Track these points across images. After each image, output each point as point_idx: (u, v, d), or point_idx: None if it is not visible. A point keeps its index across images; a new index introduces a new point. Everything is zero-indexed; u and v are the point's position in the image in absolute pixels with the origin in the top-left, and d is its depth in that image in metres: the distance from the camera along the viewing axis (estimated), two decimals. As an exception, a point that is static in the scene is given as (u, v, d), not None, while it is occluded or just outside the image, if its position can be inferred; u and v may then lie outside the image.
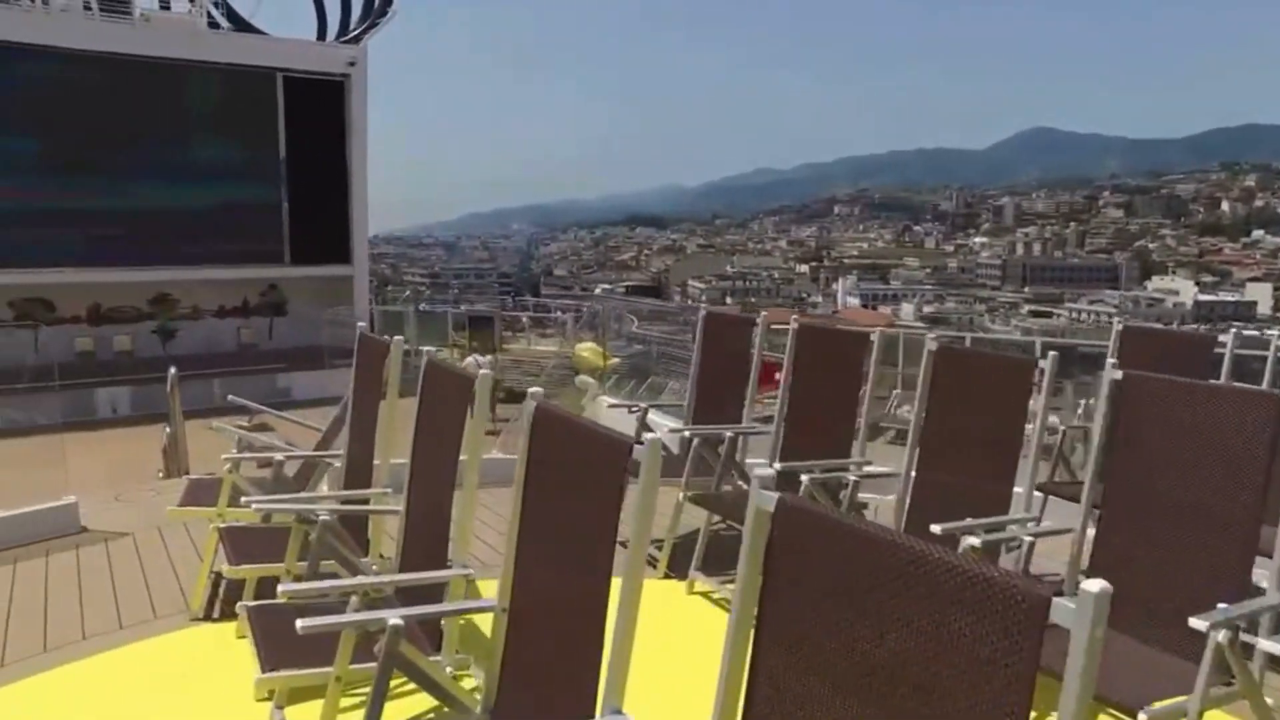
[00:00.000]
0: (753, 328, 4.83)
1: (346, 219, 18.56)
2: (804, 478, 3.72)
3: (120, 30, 16.42)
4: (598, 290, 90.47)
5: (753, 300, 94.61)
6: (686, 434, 4.40)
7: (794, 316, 4.59)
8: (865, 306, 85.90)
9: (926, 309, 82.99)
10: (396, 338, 3.34)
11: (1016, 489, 3.55)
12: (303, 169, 17.99)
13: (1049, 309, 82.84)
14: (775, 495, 1.57)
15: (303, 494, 3.51)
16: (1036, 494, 4.05)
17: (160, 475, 8.01)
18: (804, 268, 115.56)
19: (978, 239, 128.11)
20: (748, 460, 4.78)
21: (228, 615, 4.07)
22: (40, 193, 15.81)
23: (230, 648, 3.77)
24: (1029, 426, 3.73)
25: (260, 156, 17.73)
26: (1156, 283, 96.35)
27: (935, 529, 2.98)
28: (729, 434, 4.36)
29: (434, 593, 2.72)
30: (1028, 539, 3.04)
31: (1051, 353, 3.48)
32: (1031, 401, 3.65)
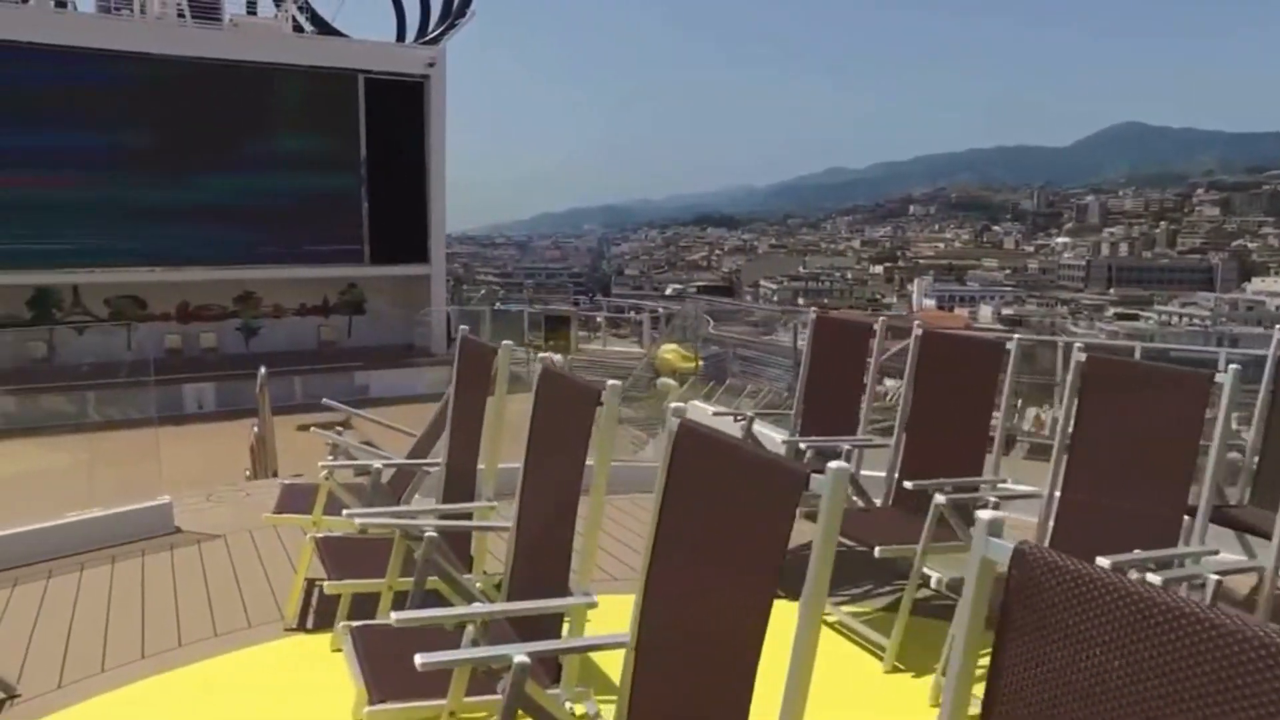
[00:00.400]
0: (869, 333, 4.52)
1: (425, 219, 18.65)
2: (938, 497, 3.41)
3: (210, 36, 16.79)
4: (669, 290, 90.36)
5: (825, 301, 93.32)
6: (801, 446, 4.11)
7: (916, 322, 4.27)
8: (941, 308, 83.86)
9: (1006, 311, 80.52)
10: (505, 342, 3.14)
11: (1186, 516, 3.18)
12: (382, 169, 18.14)
13: (1136, 311, 79.52)
14: (1009, 545, 1.29)
15: (405, 507, 3.34)
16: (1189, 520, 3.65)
17: (248, 474, 8.04)
18: (878, 268, 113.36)
19: (1060, 239, 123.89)
20: (863, 473, 4.48)
21: (321, 626, 3.95)
22: (134, 194, 16.25)
23: (326, 661, 3.64)
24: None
25: (341, 157, 17.92)
26: (1256, 284, 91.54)
27: (1103, 562, 2.64)
28: (846, 446, 4.07)
29: (550, 619, 2.51)
30: (1213, 577, 2.68)
31: (1233, 366, 3.11)
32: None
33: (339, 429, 4.33)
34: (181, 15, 16.84)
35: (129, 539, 5.02)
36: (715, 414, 4.94)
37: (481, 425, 3.37)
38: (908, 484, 3.48)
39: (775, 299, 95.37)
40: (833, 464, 1.61)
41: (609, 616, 2.47)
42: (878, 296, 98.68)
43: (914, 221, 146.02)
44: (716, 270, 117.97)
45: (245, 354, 18.15)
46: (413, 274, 18.72)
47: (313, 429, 4.06)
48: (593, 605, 2.38)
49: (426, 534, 2.79)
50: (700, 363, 12.95)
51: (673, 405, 2.08)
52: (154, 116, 16.40)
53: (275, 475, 6.93)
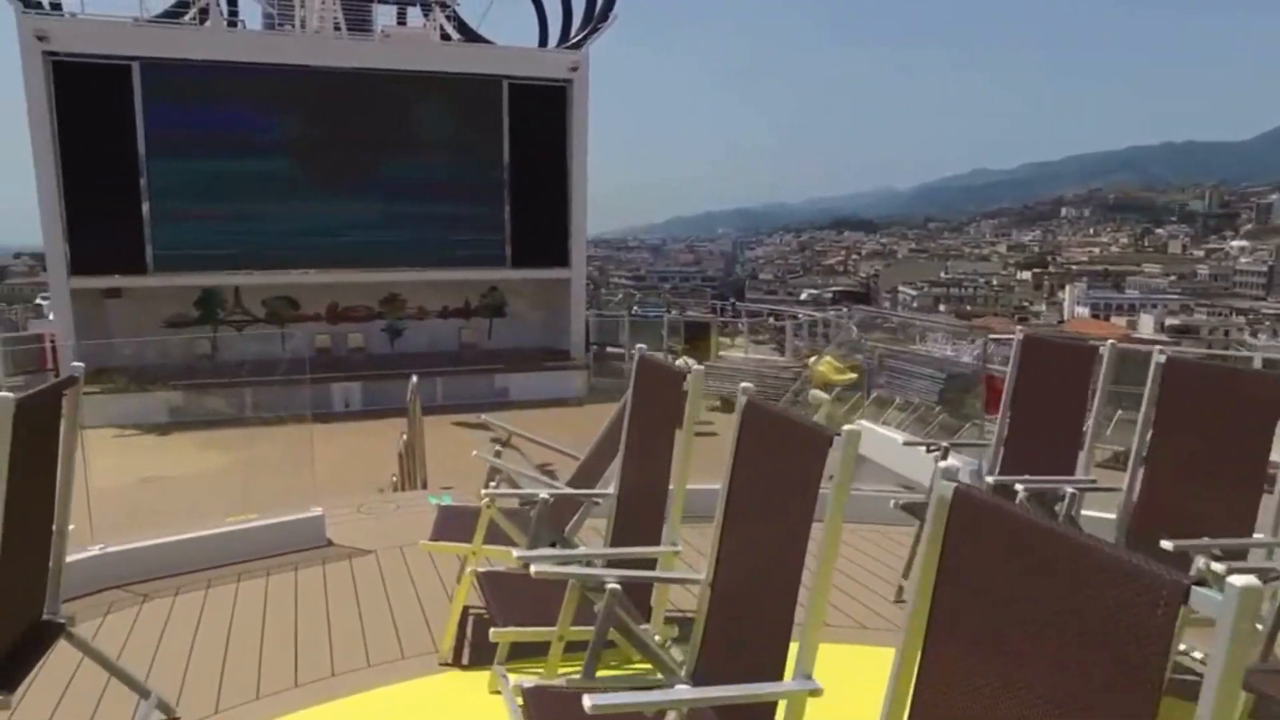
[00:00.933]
0: (1092, 357, 3.91)
1: (566, 223, 18.65)
2: (1203, 562, 2.81)
3: (364, 47, 17.32)
4: (803, 295, 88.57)
5: (968, 308, 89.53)
6: (1017, 488, 3.55)
7: (1157, 349, 3.63)
8: (1095, 317, 78.94)
9: (1170, 321, 74.73)
10: (698, 367, 2.76)
11: None
12: (525, 174, 18.24)
13: (1331, 323, 71.95)
14: None
15: (576, 550, 3.01)
16: None
17: (394, 479, 7.99)
18: (1026, 274, 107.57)
19: (1236, 242, 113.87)
20: (1083, 513, 3.88)
21: (478, 662, 3.69)
22: (290, 200, 16.93)
23: (485, 704, 3.37)
24: None
25: (485, 162, 18.13)
26: None
27: None
28: (1070, 490, 3.49)
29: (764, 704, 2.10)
30: None
31: None
32: None
33: (498, 449, 4.06)
34: (337, 28, 17.44)
35: (283, 550, 4.94)
36: (906, 443, 4.42)
37: (662, 457, 2.99)
38: (1166, 544, 2.89)
39: (914, 305, 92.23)
40: (1238, 580, 1.16)
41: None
42: (1025, 304, 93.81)
43: (1065, 225, 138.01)
44: (853, 275, 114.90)
45: (390, 354, 18.64)
46: (553, 278, 18.76)
47: (475, 453, 3.80)
48: (817, 693, 1.96)
49: (609, 586, 2.44)
50: (850, 375, 12.27)
51: (942, 464, 1.64)
52: (308, 125, 17.04)
53: (424, 486, 6.82)
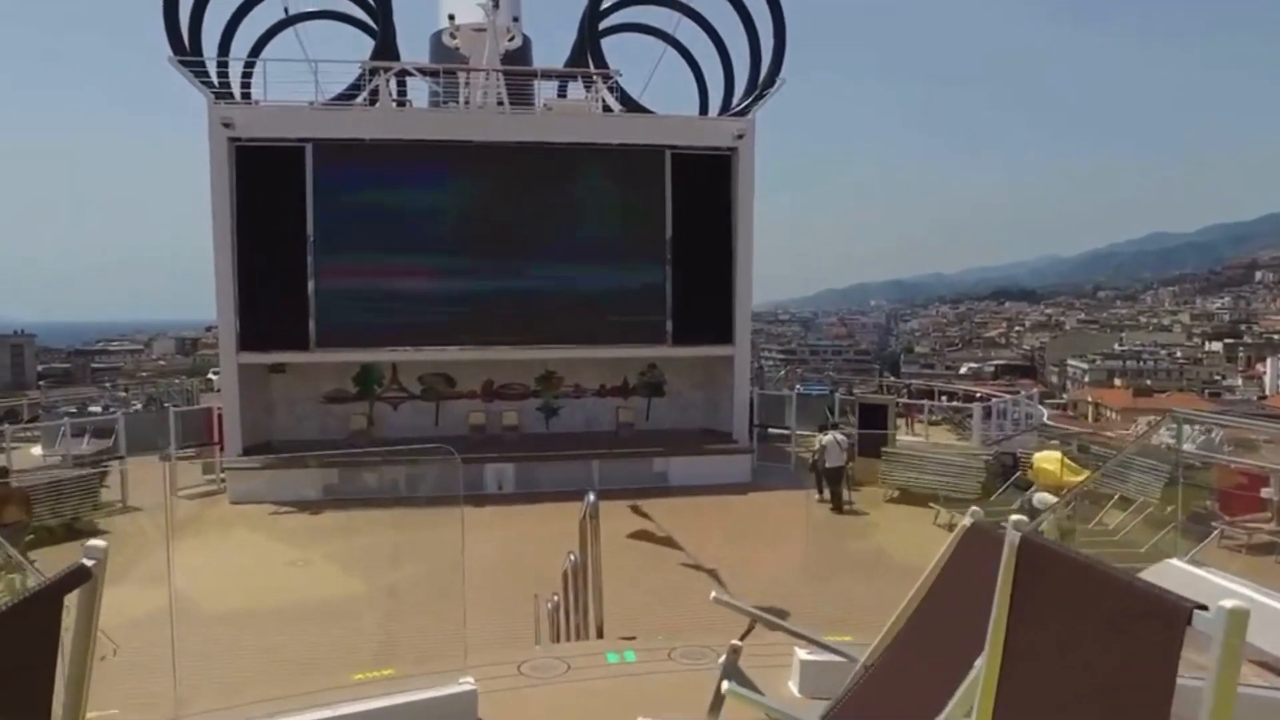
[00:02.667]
0: None
1: (729, 297, 17.52)
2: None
3: (526, 121, 16.95)
4: (963, 369, 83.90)
5: (1147, 383, 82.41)
6: None
7: None
8: (1304, 393, 70.73)
9: (1402, 399, 65.79)
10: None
11: None
12: (688, 247, 17.31)
13: None
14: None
15: None
16: None
17: (556, 599, 6.78)
18: (1216, 345, 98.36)
19: None
20: None
21: None
22: (450, 277, 16.56)
23: None
24: None
25: (647, 235, 17.33)
26: None
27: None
28: None
29: None
30: None
31: None
32: None
33: (736, 643, 2.74)
34: (500, 104, 17.18)
35: (425, 736, 3.75)
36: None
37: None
38: None
39: (1086, 380, 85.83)
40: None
41: None
42: (1216, 377, 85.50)
43: (1262, 290, 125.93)
44: (1016, 348, 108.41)
45: (545, 434, 17.83)
46: (715, 355, 17.61)
47: (726, 684, 2.50)
48: None
49: None
50: (1089, 473, 10.30)
51: None
52: (471, 200, 16.78)
53: (599, 634, 5.56)
